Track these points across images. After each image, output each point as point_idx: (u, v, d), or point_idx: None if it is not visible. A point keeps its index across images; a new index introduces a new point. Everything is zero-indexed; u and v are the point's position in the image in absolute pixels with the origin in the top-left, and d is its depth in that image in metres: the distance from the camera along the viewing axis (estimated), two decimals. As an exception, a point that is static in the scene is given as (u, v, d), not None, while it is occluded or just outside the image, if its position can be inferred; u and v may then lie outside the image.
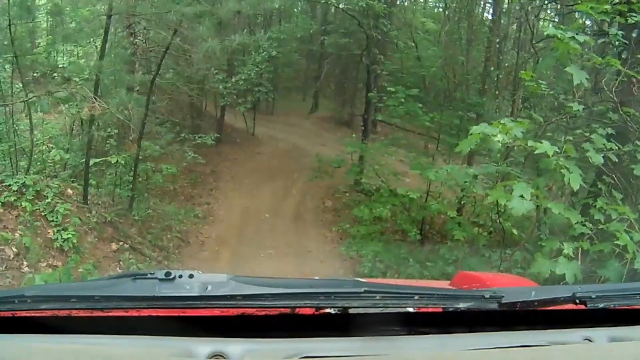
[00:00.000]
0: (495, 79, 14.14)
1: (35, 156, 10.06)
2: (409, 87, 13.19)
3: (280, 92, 20.99)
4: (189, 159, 11.78)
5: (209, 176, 14.97)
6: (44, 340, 1.18)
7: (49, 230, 7.81)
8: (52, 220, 7.90)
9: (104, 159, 9.39)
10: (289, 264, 10.64)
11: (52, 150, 9.84)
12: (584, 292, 1.40)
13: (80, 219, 8.22)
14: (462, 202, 11.42)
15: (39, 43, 12.71)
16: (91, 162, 9.19)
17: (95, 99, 7.93)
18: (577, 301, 1.38)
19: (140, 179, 11.16)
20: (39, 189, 8.19)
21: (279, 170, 15.42)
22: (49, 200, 8.05)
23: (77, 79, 8.87)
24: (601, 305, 1.39)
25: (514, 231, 9.59)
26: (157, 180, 11.65)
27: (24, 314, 1.22)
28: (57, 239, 7.67)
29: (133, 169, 9.83)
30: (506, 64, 15.86)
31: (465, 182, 7.71)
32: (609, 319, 1.44)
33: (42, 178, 8.71)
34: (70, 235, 7.66)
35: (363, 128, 15.51)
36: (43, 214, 7.97)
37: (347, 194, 14.44)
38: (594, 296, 1.39)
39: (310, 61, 21.36)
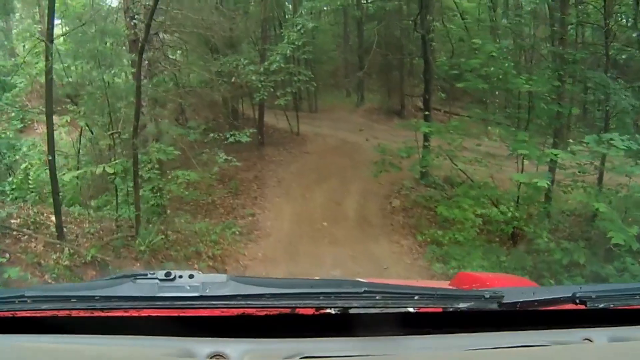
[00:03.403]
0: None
1: (16, 179, 6.41)
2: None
3: (322, 89, 17.00)
4: (221, 162, 7.87)
5: (252, 182, 11.27)
6: (44, 340, 1.06)
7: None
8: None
9: (82, 170, 5.51)
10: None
11: (33, 169, 6.07)
12: (584, 292, 1.21)
13: (39, 264, 4.33)
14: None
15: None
16: (67, 177, 5.34)
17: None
18: (577, 301, 1.19)
19: (158, 194, 7.28)
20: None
21: (331, 169, 11.62)
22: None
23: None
24: (601, 305, 1.20)
25: None
26: (184, 194, 7.76)
27: (24, 314, 1.09)
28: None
29: (133, 179, 5.88)
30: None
31: None
32: (609, 319, 1.24)
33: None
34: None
35: (425, 111, 11.25)
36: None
37: (415, 190, 10.27)
38: (594, 296, 1.20)
39: (349, 54, 17.24)
